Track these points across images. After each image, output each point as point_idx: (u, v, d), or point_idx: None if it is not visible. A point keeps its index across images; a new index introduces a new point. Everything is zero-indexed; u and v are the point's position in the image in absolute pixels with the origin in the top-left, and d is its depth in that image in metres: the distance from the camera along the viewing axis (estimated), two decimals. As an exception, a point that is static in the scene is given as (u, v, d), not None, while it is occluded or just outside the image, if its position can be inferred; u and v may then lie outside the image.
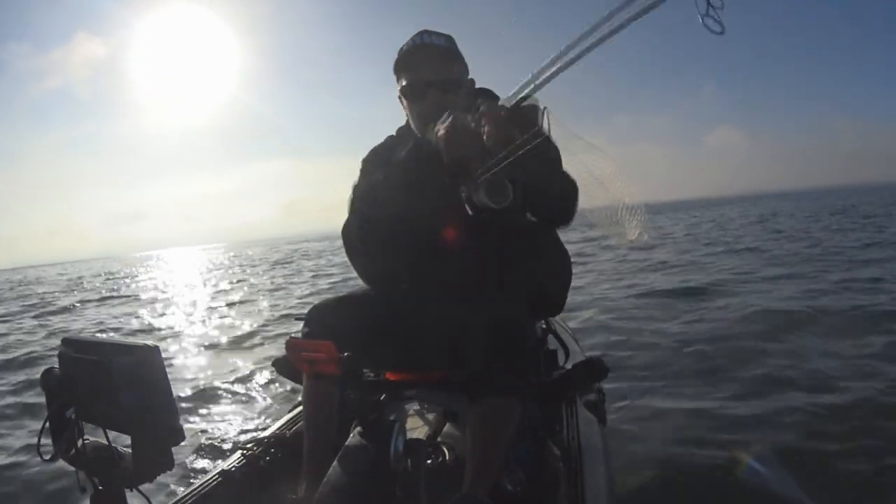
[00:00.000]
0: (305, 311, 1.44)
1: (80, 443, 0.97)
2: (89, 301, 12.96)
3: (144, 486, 0.96)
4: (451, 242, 1.43)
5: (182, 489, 1.38)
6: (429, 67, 1.35)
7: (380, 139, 1.57)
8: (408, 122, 1.49)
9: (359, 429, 1.00)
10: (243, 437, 1.57)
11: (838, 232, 13.21)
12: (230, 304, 9.38)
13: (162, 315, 8.99)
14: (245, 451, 1.50)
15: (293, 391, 3.32)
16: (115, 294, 14.56)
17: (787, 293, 5.93)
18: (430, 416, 1.56)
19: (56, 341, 1.72)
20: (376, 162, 1.47)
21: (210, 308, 9.25)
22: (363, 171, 1.50)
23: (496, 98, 1.31)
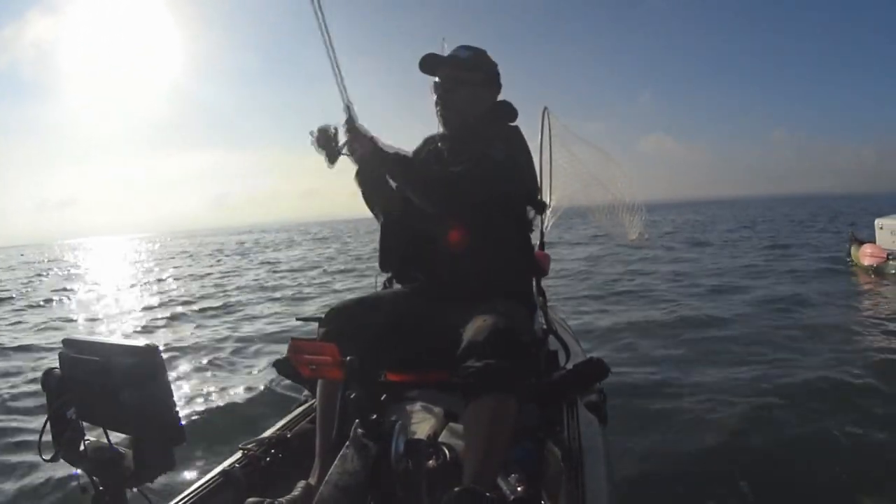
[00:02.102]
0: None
1: (80, 443, 0.97)
2: None
3: (144, 486, 0.96)
4: (454, 245, 1.43)
5: (182, 489, 1.37)
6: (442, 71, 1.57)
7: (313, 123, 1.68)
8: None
9: (360, 429, 1.00)
10: (244, 438, 1.57)
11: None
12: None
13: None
14: (246, 452, 1.50)
15: (294, 392, 3.31)
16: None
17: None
18: (431, 417, 1.56)
19: None
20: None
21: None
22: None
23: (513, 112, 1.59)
